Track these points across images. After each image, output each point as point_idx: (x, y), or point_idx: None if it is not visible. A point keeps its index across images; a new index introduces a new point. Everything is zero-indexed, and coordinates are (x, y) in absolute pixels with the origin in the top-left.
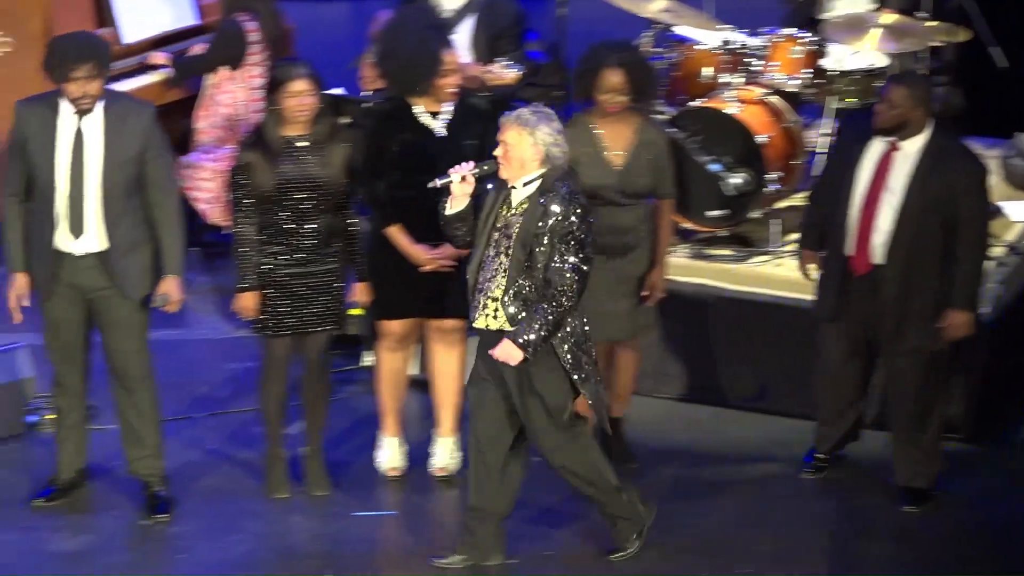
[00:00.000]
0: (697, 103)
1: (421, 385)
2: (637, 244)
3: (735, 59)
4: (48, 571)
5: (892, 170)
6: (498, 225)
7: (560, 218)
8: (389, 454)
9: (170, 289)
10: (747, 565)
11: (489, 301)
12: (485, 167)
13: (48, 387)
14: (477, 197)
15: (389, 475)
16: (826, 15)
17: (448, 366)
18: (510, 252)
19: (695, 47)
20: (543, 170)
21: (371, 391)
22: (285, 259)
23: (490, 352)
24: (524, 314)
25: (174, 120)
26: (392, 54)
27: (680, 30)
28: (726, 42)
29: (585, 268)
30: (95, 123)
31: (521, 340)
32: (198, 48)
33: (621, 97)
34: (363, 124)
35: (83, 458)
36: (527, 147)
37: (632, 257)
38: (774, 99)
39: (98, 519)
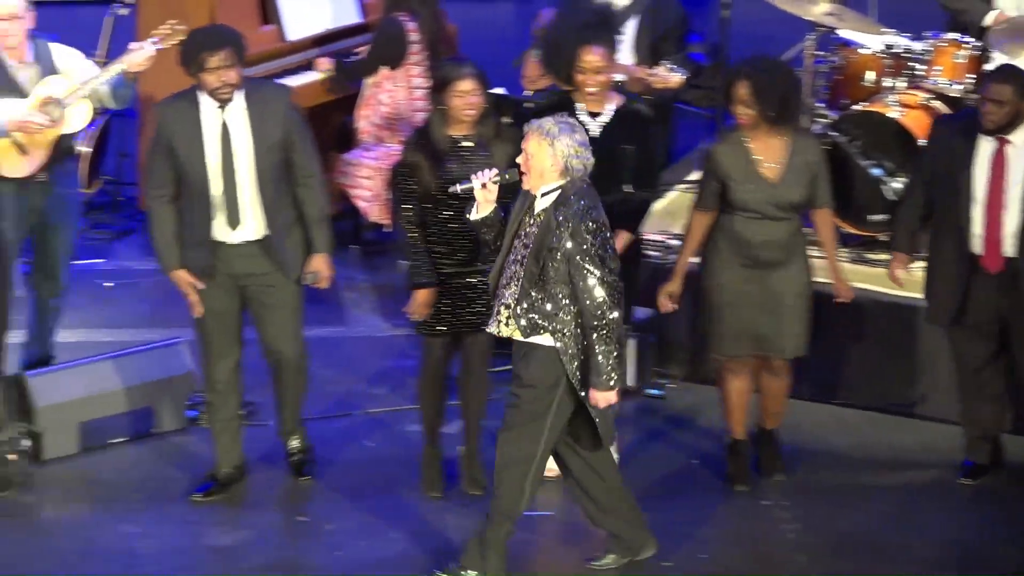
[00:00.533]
0: (859, 107)
1: None
2: (790, 259)
3: (898, 63)
4: (205, 566)
5: (1009, 164)
6: (520, 233)
7: (573, 239)
8: None
9: (320, 266)
10: (896, 568)
11: (503, 308)
12: (507, 175)
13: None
14: (509, 202)
15: (546, 476)
16: (989, 18)
17: None
18: (524, 263)
19: (858, 51)
20: (563, 181)
21: None
22: (447, 259)
23: (592, 404)
24: (552, 332)
25: (335, 118)
26: (546, 44)
27: (843, 33)
28: (889, 46)
29: (611, 280)
30: (238, 113)
31: (601, 381)
32: (361, 48)
33: (749, 110)
34: (527, 121)
35: (240, 453)
36: (547, 158)
37: (785, 272)
38: (937, 104)
39: (255, 514)
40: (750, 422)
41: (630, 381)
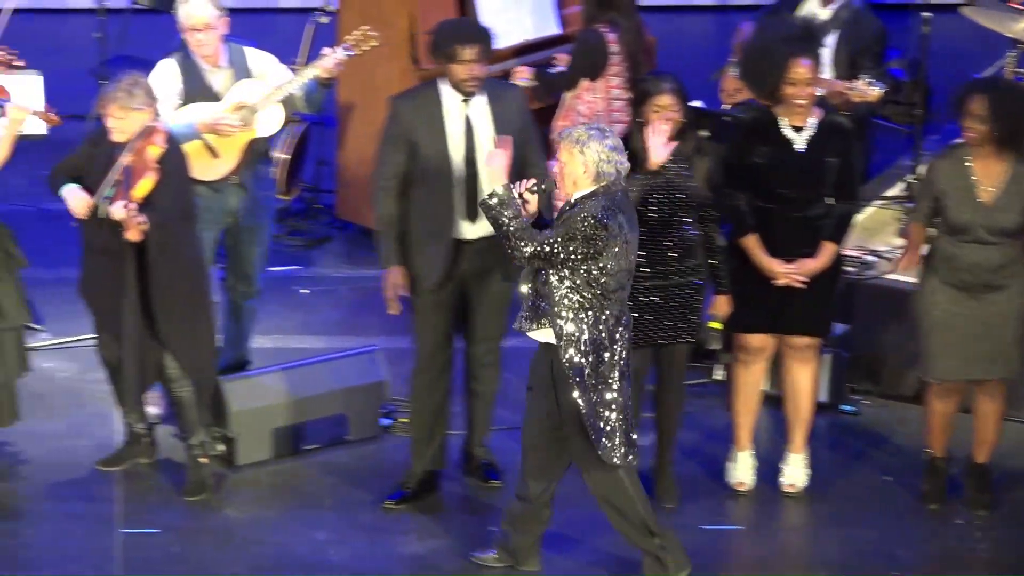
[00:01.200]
0: None
1: (771, 401)
2: (1006, 283)
3: None
4: (397, 573)
5: None
6: None
7: (576, 212)
8: (740, 468)
9: None
10: None
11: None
12: (543, 185)
13: (402, 390)
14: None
15: (738, 490)
16: None
17: (801, 383)
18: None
19: None
20: (595, 187)
21: (723, 405)
22: (646, 271)
23: None
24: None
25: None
26: (748, 56)
27: None
28: None
29: (548, 250)
30: (481, 107)
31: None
32: (561, 59)
33: (980, 126)
34: (727, 134)
35: (437, 462)
36: (578, 165)
37: (1000, 296)
38: None
39: (446, 522)
40: (952, 443)
41: (823, 397)
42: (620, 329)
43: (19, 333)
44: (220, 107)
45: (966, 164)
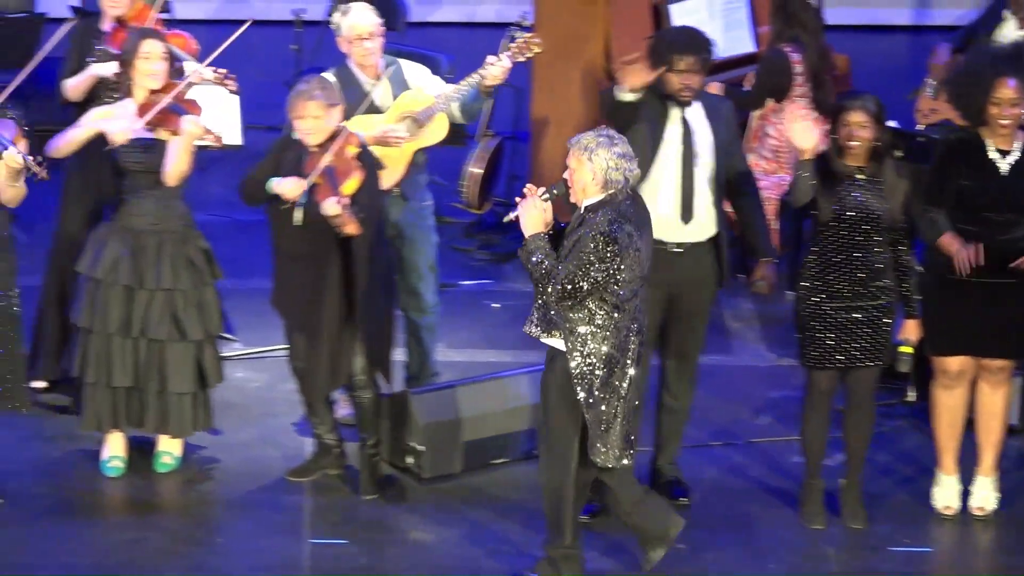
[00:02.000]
0: None
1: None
2: None
3: None
4: None
5: None
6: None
7: (583, 234)
8: (946, 493)
9: (767, 273)
10: None
11: (534, 310)
12: (555, 191)
13: None
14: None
15: (944, 514)
16: None
17: (993, 405)
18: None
19: None
20: (604, 195)
21: (914, 427)
22: (836, 290)
23: None
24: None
25: None
26: (955, 78)
27: None
28: None
29: (570, 287)
30: (698, 114)
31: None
32: (750, 77)
33: None
34: (921, 155)
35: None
36: (586, 172)
37: None
38: None
39: (631, 539)
40: None
41: (1014, 420)
42: (632, 338)
43: (207, 345)
44: (384, 118)
45: None
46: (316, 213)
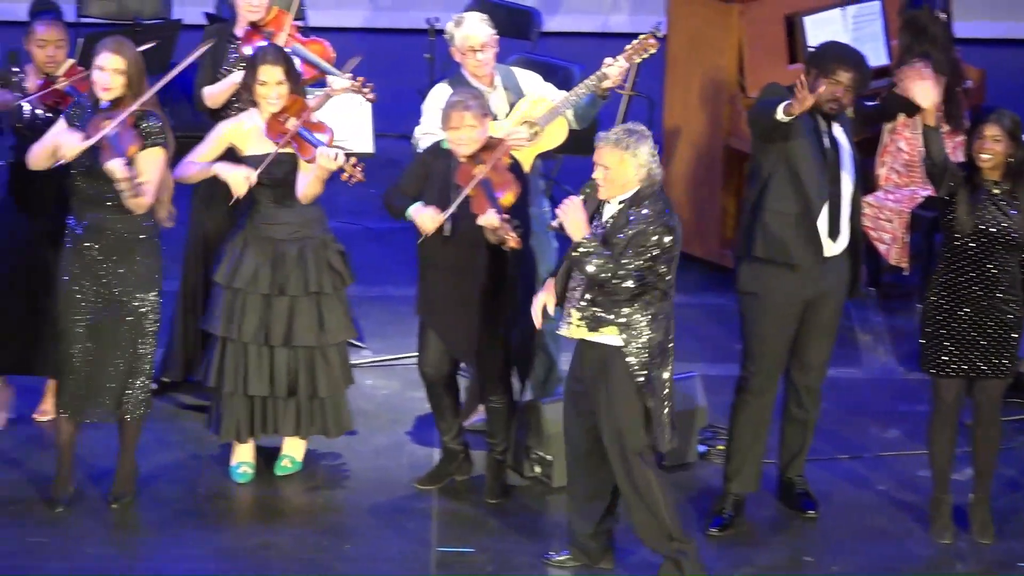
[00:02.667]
0: None
1: None
2: None
3: None
4: None
5: None
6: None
7: (642, 229)
8: None
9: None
10: None
11: (574, 311)
12: (587, 190)
13: (719, 417)
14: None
15: None
16: None
17: None
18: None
19: None
20: (639, 187)
21: None
22: (962, 297)
23: None
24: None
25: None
26: None
27: None
28: None
29: (642, 282)
30: (840, 130)
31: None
32: (883, 91)
33: None
34: None
35: (752, 484)
36: (630, 168)
37: None
38: None
39: (760, 551)
40: None
41: None
42: (671, 324)
43: (342, 348)
44: (507, 123)
45: None
46: (467, 225)
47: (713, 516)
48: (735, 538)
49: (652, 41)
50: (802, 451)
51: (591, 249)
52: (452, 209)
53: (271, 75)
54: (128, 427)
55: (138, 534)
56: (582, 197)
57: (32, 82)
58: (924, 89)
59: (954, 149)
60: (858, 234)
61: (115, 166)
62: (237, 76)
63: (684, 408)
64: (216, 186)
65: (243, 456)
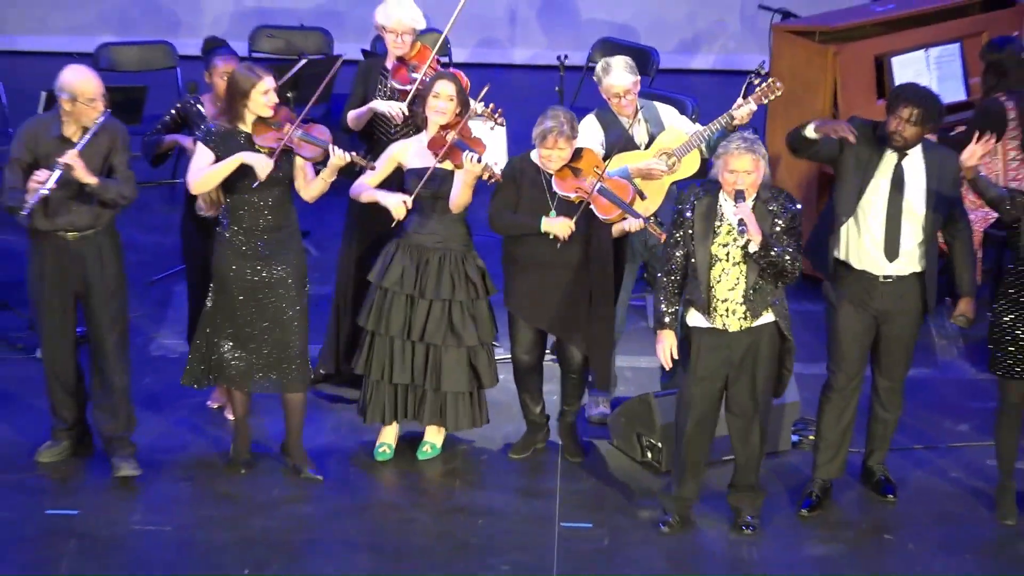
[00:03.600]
0: None
1: None
2: None
3: None
4: (805, 573)
5: None
6: (722, 243)
7: (789, 219)
8: None
9: (966, 309)
10: None
11: (738, 308)
12: (697, 196)
13: (810, 410)
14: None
15: None
16: None
17: None
18: (747, 259)
19: None
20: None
21: None
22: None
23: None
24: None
25: None
26: None
27: None
28: None
29: (800, 264)
30: (917, 165)
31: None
32: (960, 126)
33: None
34: None
35: (838, 471)
36: (764, 169)
37: None
38: None
39: (846, 529)
40: None
41: None
42: None
43: (480, 351)
44: (647, 154)
45: None
46: (584, 228)
47: (803, 498)
48: (822, 518)
49: (778, 86)
50: (884, 444)
51: (772, 243)
52: (578, 215)
53: (445, 89)
54: (291, 404)
55: (297, 505)
56: (751, 204)
57: (209, 110)
58: (969, 151)
59: None
60: (930, 257)
61: (340, 155)
62: (376, 104)
63: (778, 403)
64: (370, 204)
65: (386, 438)
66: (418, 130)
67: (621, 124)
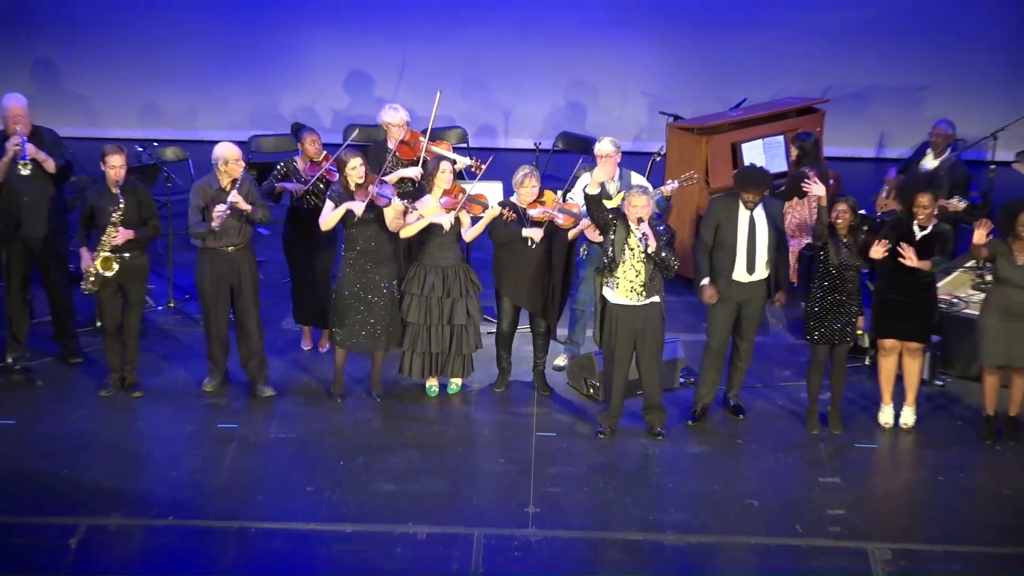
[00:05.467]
0: None
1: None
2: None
3: None
4: None
5: None
6: (630, 247)
7: (669, 237)
8: (884, 414)
9: (783, 298)
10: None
11: (629, 286)
12: (646, 222)
13: (693, 363)
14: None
15: (884, 426)
16: None
17: (914, 367)
18: (646, 259)
19: None
20: None
21: (869, 377)
22: (825, 300)
23: None
24: None
25: None
26: (899, 189)
27: None
28: None
29: None
30: (760, 213)
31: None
32: (782, 186)
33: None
34: (881, 228)
35: (709, 399)
36: (652, 207)
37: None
38: None
39: (712, 436)
40: (998, 405)
41: (925, 376)
42: None
43: (477, 328)
44: (616, 200)
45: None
46: (547, 238)
47: (689, 415)
48: (700, 428)
49: (696, 177)
50: (738, 383)
51: (667, 253)
52: (544, 227)
53: (446, 167)
54: (377, 356)
55: (372, 419)
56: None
57: (300, 165)
58: (818, 187)
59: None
60: (772, 267)
61: (398, 203)
62: (404, 171)
63: (672, 358)
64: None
65: (431, 383)
66: (416, 187)
67: (605, 185)
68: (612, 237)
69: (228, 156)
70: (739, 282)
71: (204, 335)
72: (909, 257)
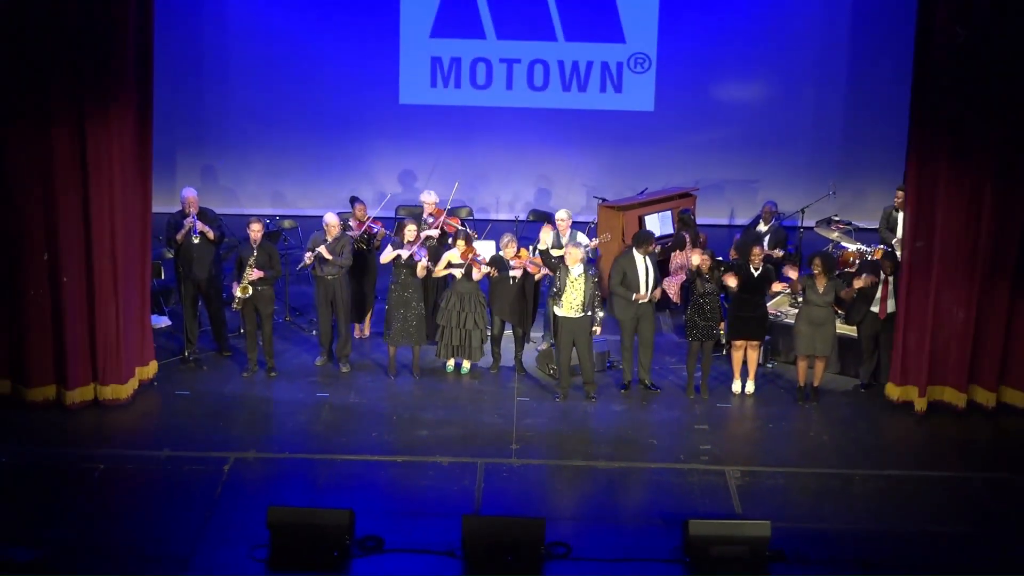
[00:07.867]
0: None
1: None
2: (828, 315)
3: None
4: None
5: None
6: (571, 279)
7: (596, 275)
8: (735, 386)
9: (667, 305)
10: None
11: (570, 304)
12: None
13: (615, 353)
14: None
15: (735, 393)
16: None
17: (754, 356)
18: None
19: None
20: None
21: (727, 364)
22: (695, 316)
23: None
24: None
25: None
26: (737, 246)
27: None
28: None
29: None
30: (649, 260)
31: None
32: (668, 241)
33: (820, 267)
34: (733, 267)
35: (629, 377)
36: (584, 255)
37: (827, 318)
38: None
39: (631, 401)
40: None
41: (760, 361)
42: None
43: (483, 331)
44: (561, 250)
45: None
46: (521, 279)
47: (620, 387)
48: (625, 395)
49: (609, 237)
50: (647, 366)
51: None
52: (520, 273)
53: (466, 238)
54: (415, 349)
55: (410, 388)
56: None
57: (353, 223)
58: (698, 254)
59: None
60: (660, 291)
61: (421, 263)
62: (428, 231)
63: (602, 351)
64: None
65: (451, 364)
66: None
67: (559, 237)
68: (558, 275)
69: (331, 223)
70: (640, 304)
71: (316, 333)
72: (730, 285)
